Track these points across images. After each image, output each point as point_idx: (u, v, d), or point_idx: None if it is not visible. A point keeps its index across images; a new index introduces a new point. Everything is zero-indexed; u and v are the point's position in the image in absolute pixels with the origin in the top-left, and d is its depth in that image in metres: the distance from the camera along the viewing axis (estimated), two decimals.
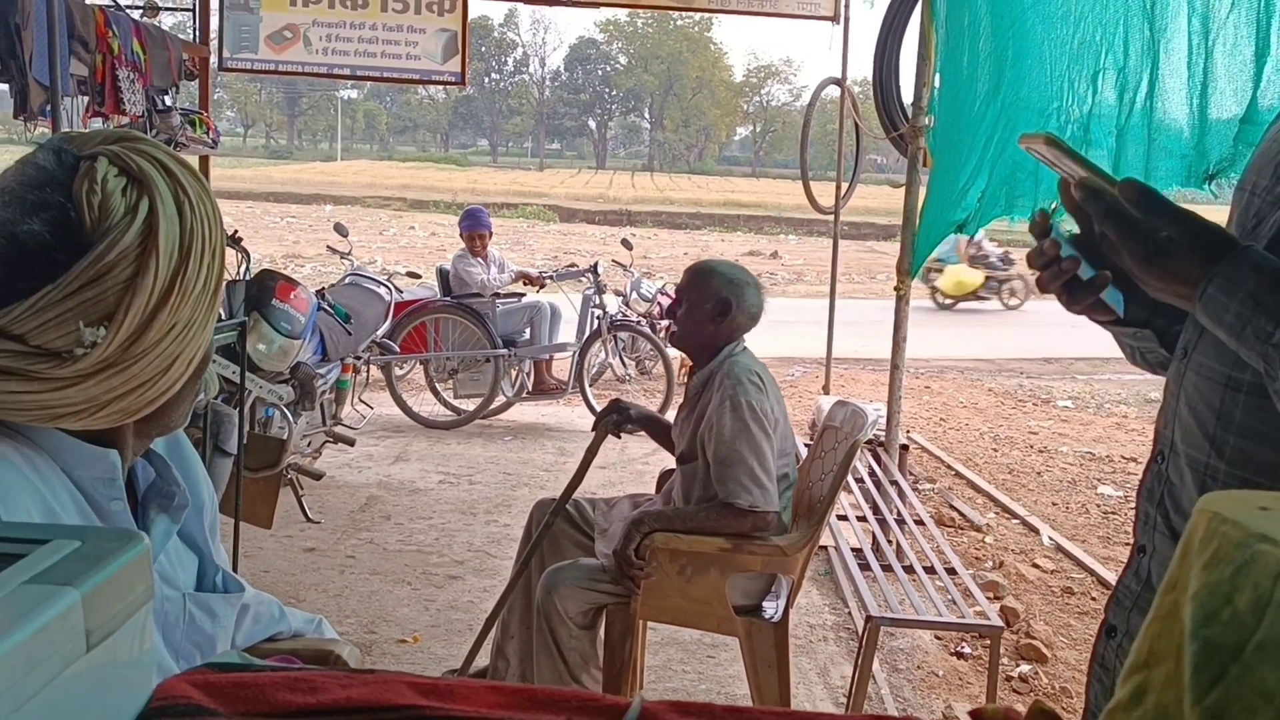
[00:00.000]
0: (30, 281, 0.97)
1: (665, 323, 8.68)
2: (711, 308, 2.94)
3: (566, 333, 7.56)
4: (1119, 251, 1.05)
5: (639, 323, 9.03)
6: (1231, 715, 0.50)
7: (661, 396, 7.23)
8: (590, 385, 7.32)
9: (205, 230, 1.06)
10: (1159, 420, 1.21)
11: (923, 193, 4.69)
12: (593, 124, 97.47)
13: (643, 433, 3.30)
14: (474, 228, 7.06)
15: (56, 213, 0.99)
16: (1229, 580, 0.54)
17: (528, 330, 7.26)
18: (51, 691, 0.63)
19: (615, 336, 7.32)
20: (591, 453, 3.20)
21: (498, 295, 7.08)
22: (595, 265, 7.37)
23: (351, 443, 5.58)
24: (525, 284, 7.31)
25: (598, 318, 7.27)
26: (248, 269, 4.39)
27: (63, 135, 1.09)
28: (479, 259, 7.08)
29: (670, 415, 3.36)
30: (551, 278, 7.39)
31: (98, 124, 4.73)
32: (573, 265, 7.81)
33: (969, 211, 4.32)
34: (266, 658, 1.28)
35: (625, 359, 7.50)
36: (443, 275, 7.15)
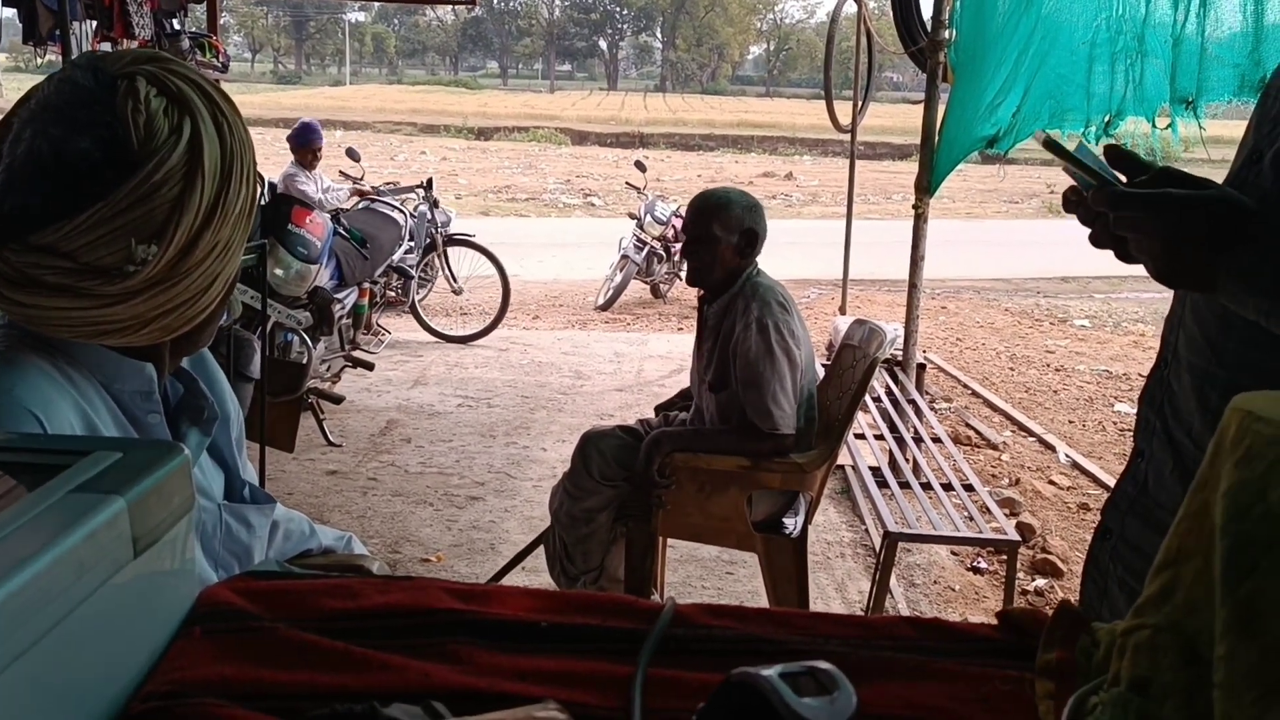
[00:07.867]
0: (77, 199, 0.99)
1: (679, 245, 8.63)
2: (738, 240, 2.89)
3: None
4: (1140, 244, 0.98)
5: (654, 245, 8.94)
6: (1263, 605, 0.51)
7: (676, 320, 7.21)
8: (609, 308, 7.24)
9: (242, 152, 1.09)
10: (1165, 327, 1.22)
11: (942, 109, 4.61)
12: (604, 44, 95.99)
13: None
14: (306, 143, 6.96)
15: (104, 131, 1.00)
16: (1261, 476, 0.54)
17: None
18: (102, 595, 0.64)
19: (446, 251, 7.34)
20: None
21: (341, 210, 6.95)
22: (428, 181, 7.37)
23: (370, 367, 5.62)
24: (359, 199, 7.20)
25: (431, 232, 7.28)
26: (263, 194, 4.38)
27: (92, 54, 1.10)
28: (308, 173, 7.02)
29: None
30: (384, 193, 7.32)
31: (106, 49, 4.69)
32: (392, 183, 7.67)
33: (1000, 126, 4.22)
34: None
35: (454, 273, 7.46)
36: (273, 189, 7.08)
